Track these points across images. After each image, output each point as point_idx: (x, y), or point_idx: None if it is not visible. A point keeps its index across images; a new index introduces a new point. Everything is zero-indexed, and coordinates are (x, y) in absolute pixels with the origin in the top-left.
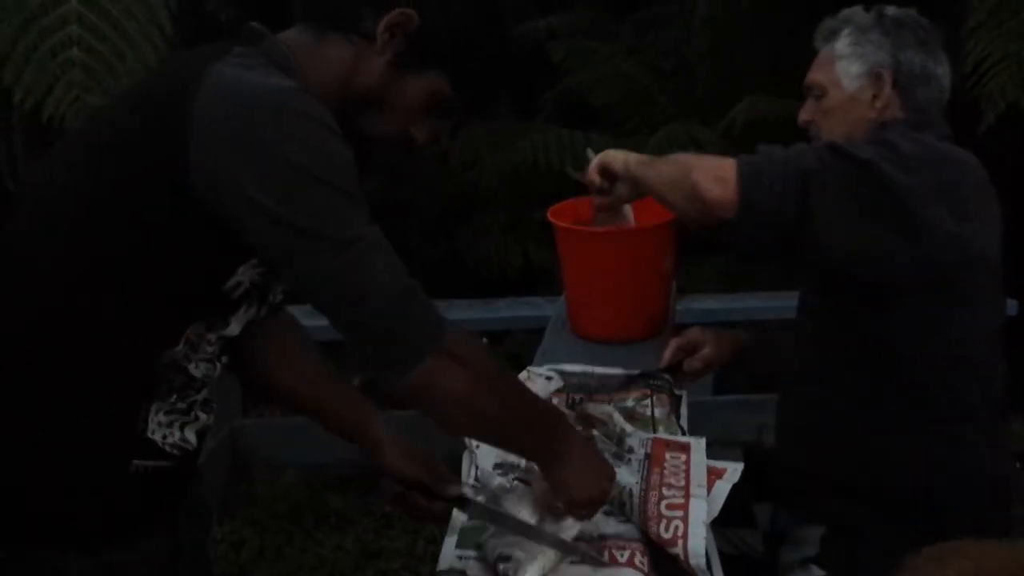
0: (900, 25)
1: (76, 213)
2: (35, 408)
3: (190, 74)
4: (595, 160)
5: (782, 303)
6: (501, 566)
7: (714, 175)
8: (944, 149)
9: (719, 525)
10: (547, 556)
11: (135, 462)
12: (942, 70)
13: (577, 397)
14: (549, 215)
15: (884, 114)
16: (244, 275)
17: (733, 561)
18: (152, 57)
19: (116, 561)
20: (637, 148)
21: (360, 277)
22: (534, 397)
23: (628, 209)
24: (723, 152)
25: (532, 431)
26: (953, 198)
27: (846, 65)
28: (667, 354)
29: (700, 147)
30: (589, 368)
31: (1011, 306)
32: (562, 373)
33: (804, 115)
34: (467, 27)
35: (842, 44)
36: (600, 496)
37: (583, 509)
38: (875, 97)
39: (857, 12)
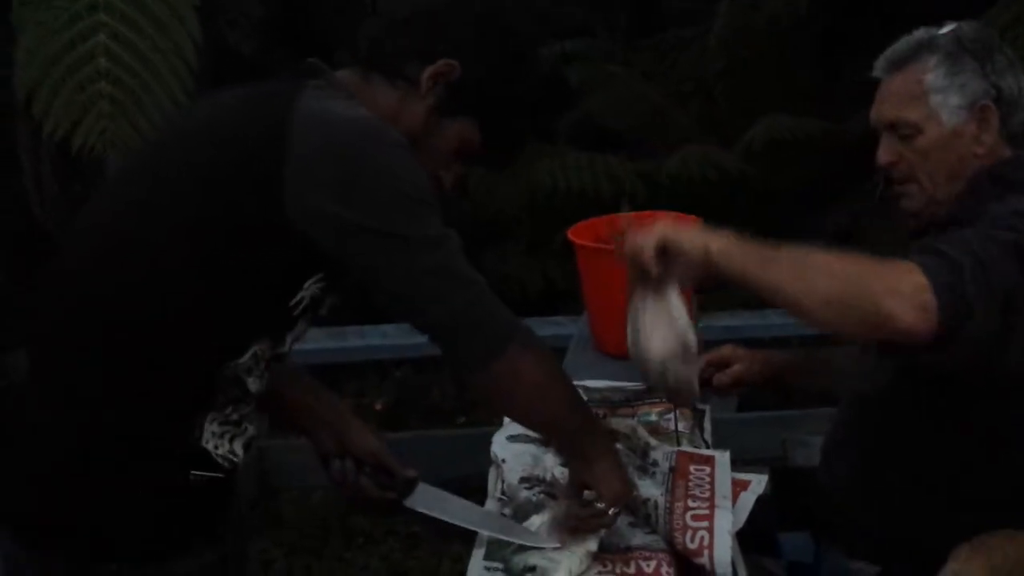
0: (990, 48)
1: (156, 237)
2: (101, 419)
3: (279, 108)
4: (649, 238)
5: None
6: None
7: (911, 303)
8: None
9: (740, 551)
10: (572, 561)
11: (193, 473)
12: None
13: (601, 412)
14: (570, 234)
15: (991, 152)
16: (307, 291)
17: None
18: (177, 89)
19: (171, 572)
20: (655, 170)
21: (451, 272)
22: (577, 395)
23: (678, 301)
24: (743, 173)
25: (584, 422)
26: None
27: (943, 99)
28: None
29: (718, 168)
30: (612, 383)
31: None
32: (586, 389)
33: (887, 156)
34: (502, 81)
35: (934, 76)
36: (628, 493)
37: (618, 503)
38: (980, 131)
39: (935, 37)
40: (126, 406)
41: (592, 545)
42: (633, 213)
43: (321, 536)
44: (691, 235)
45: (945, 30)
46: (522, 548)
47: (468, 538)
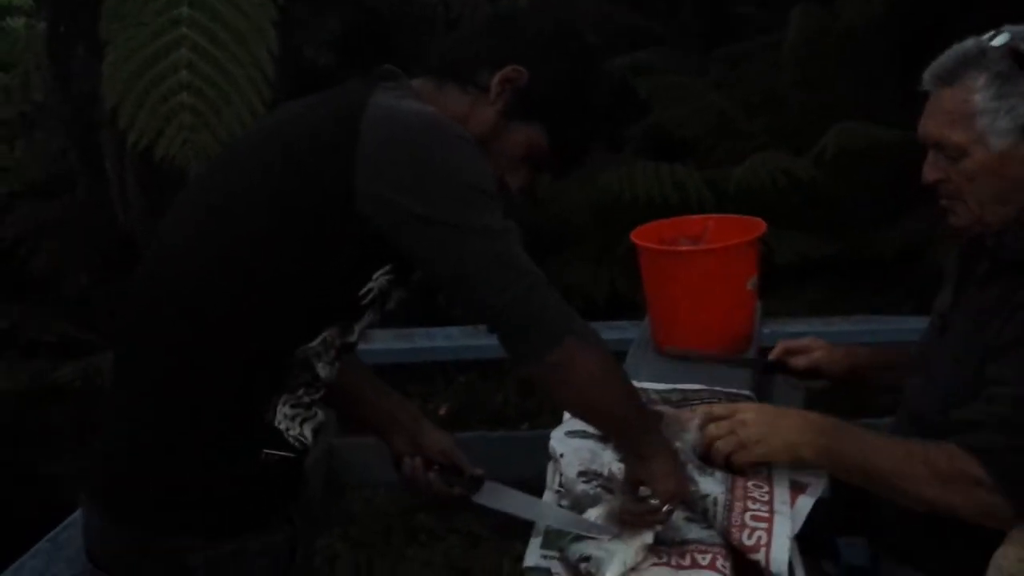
0: None
1: (236, 229)
2: (182, 399)
3: (353, 104)
4: (741, 456)
5: (873, 327)
6: (583, 566)
7: (977, 505)
8: None
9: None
10: (627, 552)
11: (265, 451)
12: None
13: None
14: (632, 236)
15: None
16: (376, 282)
17: None
18: (256, 100)
19: (240, 550)
20: (723, 177)
21: (511, 262)
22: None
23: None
24: (813, 180)
25: (640, 417)
26: None
27: (991, 121)
28: (775, 351)
29: (788, 174)
30: (672, 386)
31: None
32: (645, 391)
33: (933, 174)
34: (569, 87)
35: (982, 97)
36: (684, 490)
37: (672, 500)
38: None
39: (986, 50)
40: (206, 387)
41: (647, 538)
42: (703, 216)
43: (385, 533)
44: (778, 449)
45: (998, 41)
46: (578, 538)
47: (529, 537)
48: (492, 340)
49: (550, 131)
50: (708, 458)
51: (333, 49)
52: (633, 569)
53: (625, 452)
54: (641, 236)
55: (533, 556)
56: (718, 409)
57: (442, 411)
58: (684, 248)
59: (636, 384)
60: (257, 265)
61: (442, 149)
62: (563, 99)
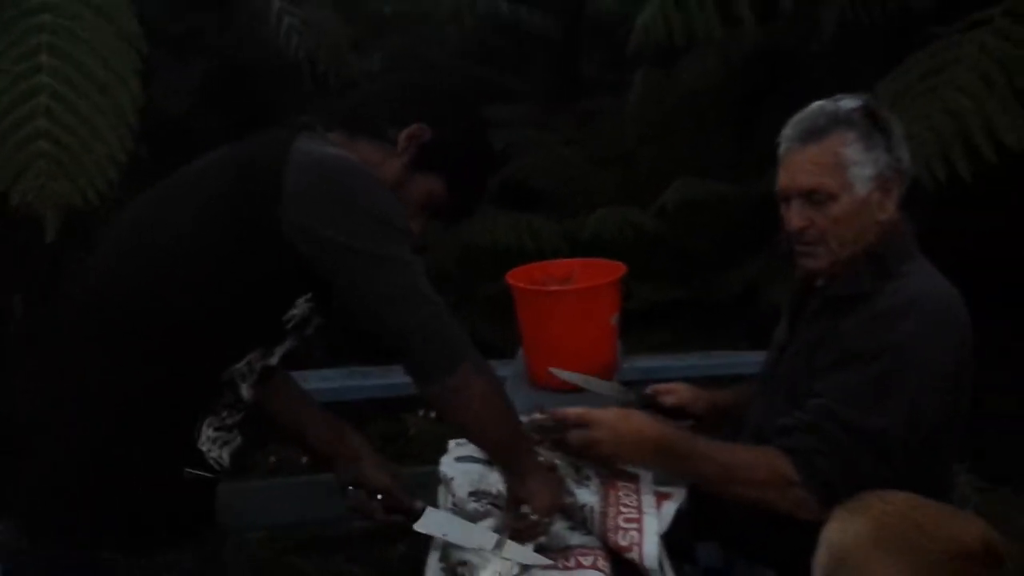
0: (890, 123)
1: (172, 253)
2: (111, 418)
3: (279, 146)
4: (593, 455)
5: (718, 361)
6: (459, 569)
7: (787, 499)
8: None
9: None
10: (503, 565)
11: (187, 470)
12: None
13: (538, 436)
14: (507, 278)
15: (889, 219)
16: (298, 307)
17: None
18: (117, 149)
19: (158, 565)
20: (578, 229)
21: (417, 290)
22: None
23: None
24: (658, 232)
25: (520, 439)
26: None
27: (859, 171)
28: (648, 389)
29: (635, 227)
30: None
31: None
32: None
33: (799, 221)
34: (467, 144)
35: (852, 150)
36: (558, 503)
37: (549, 514)
38: (884, 199)
39: (847, 111)
40: (135, 406)
41: (528, 550)
42: (569, 260)
43: None
44: (628, 460)
45: (853, 104)
46: (457, 547)
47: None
48: None
49: (448, 183)
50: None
51: (192, 97)
52: None
53: (506, 472)
54: (514, 278)
55: (433, 570)
56: (571, 413)
57: (303, 459)
58: (556, 288)
59: None
60: (190, 291)
61: (362, 187)
62: (461, 154)
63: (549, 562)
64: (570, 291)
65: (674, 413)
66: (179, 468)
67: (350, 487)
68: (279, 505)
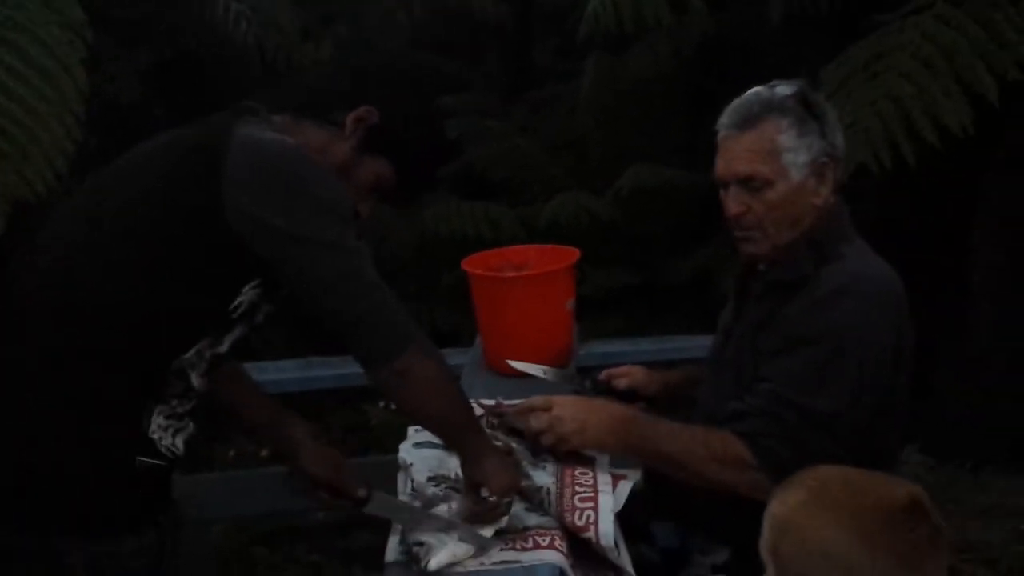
0: (824, 109)
1: (118, 244)
2: (61, 407)
3: (221, 132)
4: (552, 440)
5: (671, 345)
6: (415, 548)
7: (741, 478)
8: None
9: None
10: (459, 547)
11: (139, 458)
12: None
13: (495, 421)
14: (463, 265)
15: (824, 203)
16: (245, 295)
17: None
18: (65, 139)
19: (116, 551)
20: (534, 216)
21: (360, 276)
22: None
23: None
24: (612, 218)
25: (470, 422)
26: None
27: (793, 157)
28: (602, 375)
29: (591, 214)
30: (503, 401)
31: None
32: (481, 404)
33: (736, 207)
34: (415, 127)
35: (786, 137)
36: (517, 484)
37: (506, 494)
38: (819, 184)
39: (781, 98)
40: (85, 396)
41: (487, 532)
42: (525, 247)
43: (222, 569)
44: (588, 441)
45: (788, 91)
46: (413, 527)
47: (368, 564)
48: None
49: (397, 165)
50: (535, 447)
51: (141, 85)
52: (459, 563)
53: (460, 455)
54: (471, 265)
55: (392, 552)
56: (537, 400)
57: (263, 453)
58: (511, 275)
59: (472, 401)
60: (134, 280)
61: (303, 173)
62: (409, 137)
63: (502, 543)
64: (524, 277)
65: (627, 396)
66: (130, 457)
67: (296, 475)
68: (243, 496)
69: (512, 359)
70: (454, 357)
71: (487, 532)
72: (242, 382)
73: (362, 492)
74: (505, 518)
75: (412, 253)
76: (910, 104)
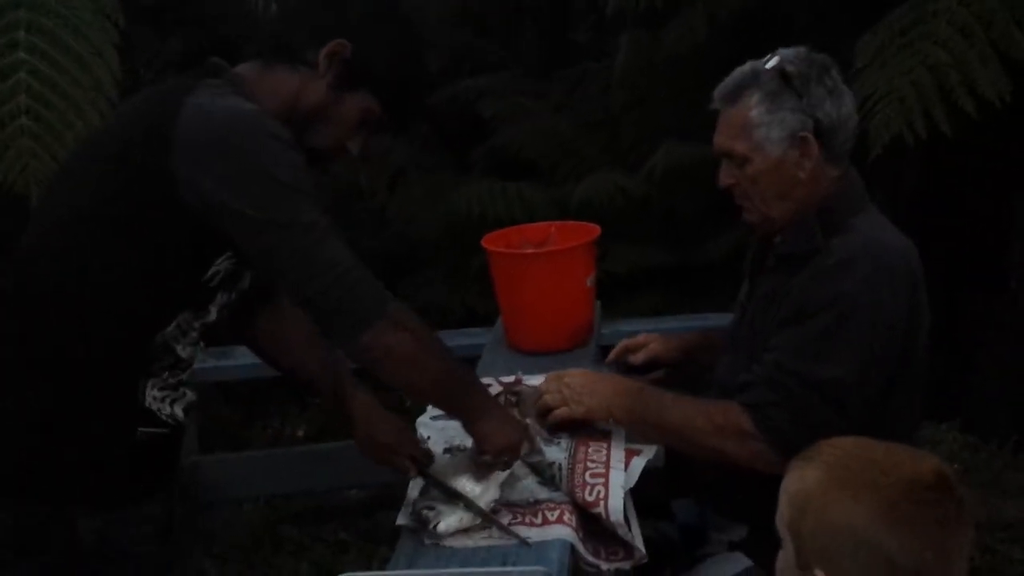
0: (807, 80)
1: (83, 223)
2: (59, 384)
3: (173, 102)
4: (560, 411)
5: (698, 323)
6: (424, 512)
7: (746, 450)
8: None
9: (637, 516)
10: (466, 514)
11: (140, 429)
12: (850, 101)
13: (513, 399)
14: (483, 242)
15: (814, 175)
16: (220, 266)
17: (651, 544)
18: (99, 123)
19: (120, 518)
20: (566, 196)
21: (321, 253)
22: (459, 360)
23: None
24: (646, 196)
25: (462, 387)
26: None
27: (765, 132)
28: (613, 353)
29: (624, 192)
30: (522, 377)
31: None
32: (500, 382)
33: (726, 179)
34: (392, 54)
35: (757, 112)
36: (516, 443)
37: (503, 454)
38: (802, 157)
39: (759, 72)
40: (80, 374)
41: (489, 490)
42: (546, 223)
43: (252, 545)
44: (596, 409)
45: (770, 64)
46: (423, 497)
47: (395, 543)
48: None
49: (379, 95)
50: (542, 412)
51: (173, 70)
52: (465, 531)
53: (458, 418)
54: (491, 242)
55: (404, 516)
56: (552, 375)
57: (300, 433)
58: (530, 251)
59: (490, 378)
60: (104, 260)
61: (254, 146)
62: (387, 64)
63: (512, 516)
64: (543, 254)
65: (646, 370)
66: (131, 427)
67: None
68: (272, 476)
69: (531, 336)
70: (480, 336)
71: (488, 490)
72: (310, 348)
73: (422, 456)
74: (505, 473)
75: (443, 234)
76: (946, 72)
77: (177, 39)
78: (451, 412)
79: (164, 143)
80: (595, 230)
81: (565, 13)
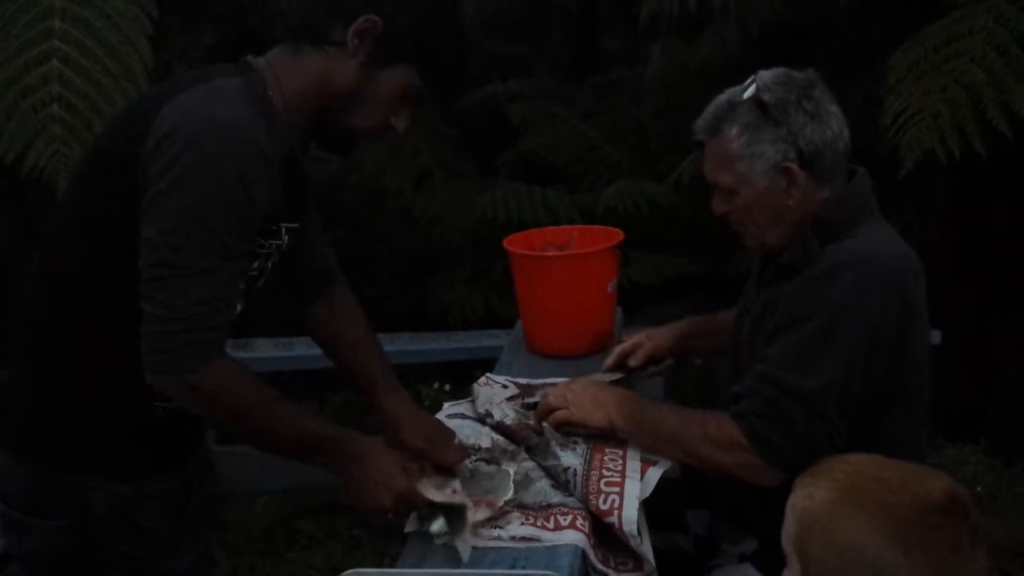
0: (785, 107)
1: (82, 221)
2: (79, 357)
3: (155, 103)
4: (561, 414)
5: None
6: (422, 512)
7: (740, 463)
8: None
9: (651, 527)
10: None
11: (157, 404)
12: (836, 120)
13: (532, 402)
14: (505, 244)
15: (804, 200)
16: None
17: (664, 556)
18: None
19: (138, 491)
20: (592, 202)
21: (166, 296)
22: (299, 420)
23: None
24: (673, 204)
25: (304, 442)
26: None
27: (748, 164)
28: (609, 360)
29: (650, 200)
30: (537, 380)
31: (935, 335)
32: (515, 383)
33: (719, 208)
34: (425, 24)
35: (737, 145)
36: (376, 508)
37: (375, 513)
38: (789, 186)
39: (736, 104)
40: (99, 354)
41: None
42: (568, 227)
43: (265, 538)
44: (597, 416)
45: (747, 93)
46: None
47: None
48: None
49: (417, 68)
50: (544, 413)
51: (205, 62)
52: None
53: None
54: (513, 244)
55: (412, 524)
56: (560, 385)
57: None
58: (551, 254)
59: (508, 378)
60: (126, 239)
61: (197, 172)
62: (420, 36)
63: (524, 518)
64: (564, 257)
65: (647, 366)
66: (147, 403)
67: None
68: (290, 469)
69: (550, 339)
70: (499, 338)
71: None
72: (362, 349)
73: (455, 462)
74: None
75: (467, 236)
76: (980, 90)
77: (208, 31)
78: (308, 460)
79: (137, 145)
80: (618, 235)
81: (597, 20)
